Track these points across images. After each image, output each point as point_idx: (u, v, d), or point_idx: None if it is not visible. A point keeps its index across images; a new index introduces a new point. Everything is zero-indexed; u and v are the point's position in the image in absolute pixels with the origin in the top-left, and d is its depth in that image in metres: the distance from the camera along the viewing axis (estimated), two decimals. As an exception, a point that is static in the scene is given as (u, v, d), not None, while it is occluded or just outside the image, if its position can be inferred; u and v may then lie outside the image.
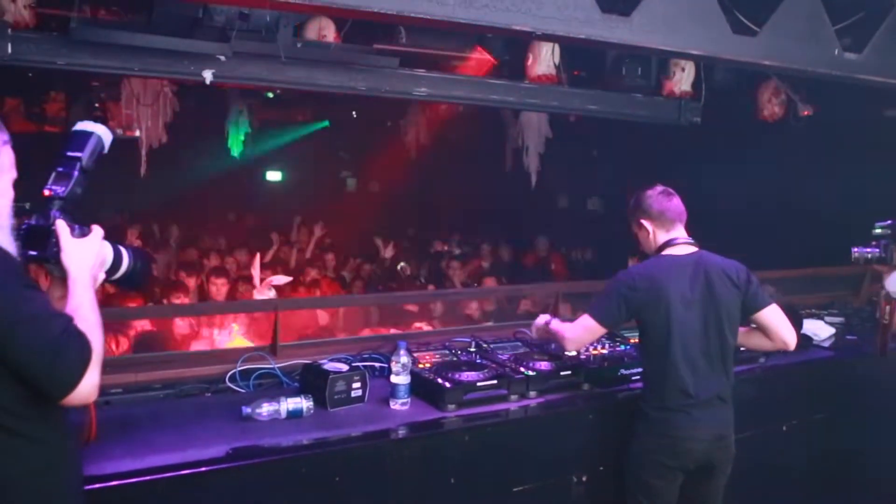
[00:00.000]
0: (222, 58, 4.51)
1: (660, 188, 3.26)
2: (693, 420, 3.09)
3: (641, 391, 3.31)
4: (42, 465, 1.90)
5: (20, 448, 1.85)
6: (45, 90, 11.07)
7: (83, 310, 1.92)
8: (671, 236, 3.20)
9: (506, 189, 10.88)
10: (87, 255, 2.02)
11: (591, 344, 3.64)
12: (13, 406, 1.82)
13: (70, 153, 2.07)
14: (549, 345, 3.97)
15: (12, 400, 1.81)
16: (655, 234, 3.22)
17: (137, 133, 8.94)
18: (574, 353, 3.68)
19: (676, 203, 3.23)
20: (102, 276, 2.12)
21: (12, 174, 1.96)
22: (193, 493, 2.56)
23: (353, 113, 12.47)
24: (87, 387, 1.81)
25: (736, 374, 3.88)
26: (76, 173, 2.05)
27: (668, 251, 3.18)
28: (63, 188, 2.03)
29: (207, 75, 4.57)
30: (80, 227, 2.05)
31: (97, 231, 2.08)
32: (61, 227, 1.99)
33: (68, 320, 1.83)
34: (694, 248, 3.20)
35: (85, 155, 2.08)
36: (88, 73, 6.92)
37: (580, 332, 3.23)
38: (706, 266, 3.14)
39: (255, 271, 5.70)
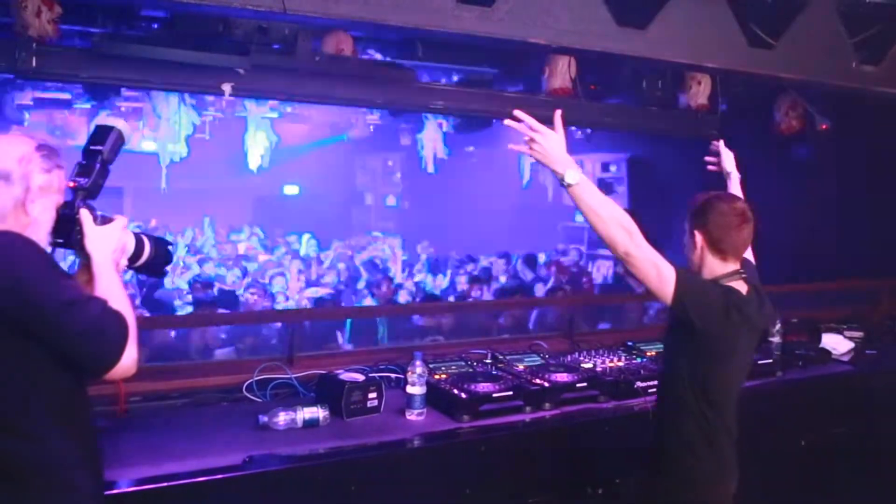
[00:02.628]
0: (241, 71, 4.57)
1: (737, 206, 2.72)
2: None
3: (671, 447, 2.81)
4: (73, 460, 1.98)
5: (54, 442, 1.94)
6: (67, 103, 11.24)
7: (113, 291, 2.04)
8: (729, 269, 2.69)
9: (523, 202, 10.90)
10: (108, 242, 2.15)
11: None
12: (51, 398, 1.94)
13: (92, 147, 2.20)
14: (565, 357, 3.97)
15: (49, 392, 1.94)
16: (704, 257, 2.72)
17: (157, 148, 9.07)
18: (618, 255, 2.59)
19: (746, 235, 2.71)
20: (125, 262, 2.24)
21: (59, 198, 2.08)
22: (210, 501, 2.57)
23: (371, 128, 12.53)
24: (128, 361, 1.95)
25: (752, 388, 3.89)
26: (98, 165, 2.18)
27: (731, 283, 2.67)
28: (86, 179, 2.16)
29: (227, 88, 4.63)
30: (103, 216, 2.18)
31: (120, 220, 2.21)
32: (84, 215, 2.12)
33: (104, 302, 1.96)
34: (746, 286, 2.72)
35: (106, 148, 2.20)
36: (110, 87, 7.01)
37: (656, 259, 2.54)
38: (760, 301, 2.74)
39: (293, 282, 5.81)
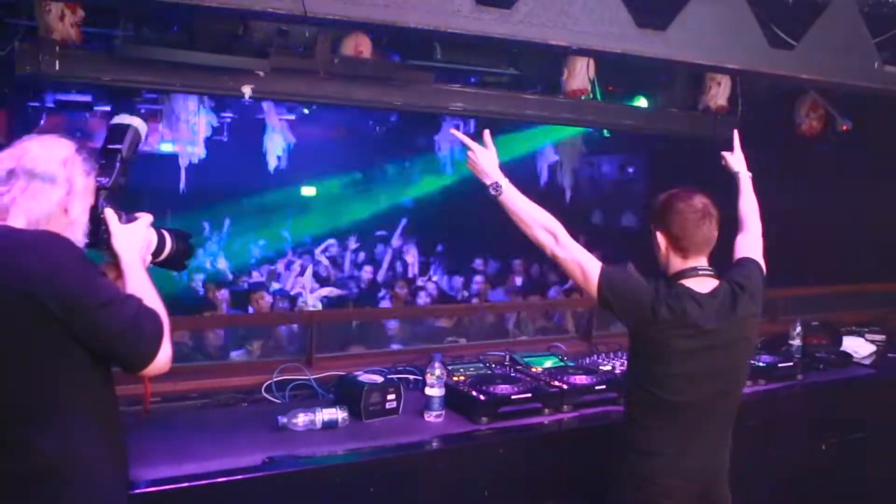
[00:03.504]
0: (261, 73, 4.60)
1: (695, 202, 2.68)
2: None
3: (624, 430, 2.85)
4: (100, 453, 2.02)
5: (84, 435, 1.98)
6: (88, 105, 11.34)
7: (145, 290, 2.09)
8: (689, 265, 2.69)
9: (540, 204, 10.84)
10: (134, 240, 2.20)
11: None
12: (83, 393, 1.99)
13: (111, 146, 2.23)
14: (583, 359, 3.97)
15: (83, 386, 1.99)
16: (668, 256, 2.73)
17: (175, 148, 9.12)
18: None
19: (706, 231, 2.68)
20: (149, 258, 2.28)
21: (90, 200, 2.13)
22: (230, 501, 2.59)
23: (376, 128, 12.51)
24: (164, 357, 2.02)
25: (773, 391, 3.88)
26: (118, 164, 2.21)
27: (687, 282, 2.66)
28: (107, 179, 2.19)
29: (247, 90, 4.66)
30: (127, 214, 2.22)
31: (145, 217, 2.26)
32: (109, 214, 2.17)
33: (139, 300, 2.02)
34: (715, 282, 2.69)
35: (124, 147, 2.23)
36: (131, 89, 7.07)
37: (580, 258, 2.65)
38: (722, 301, 2.66)
39: (307, 282, 5.84)
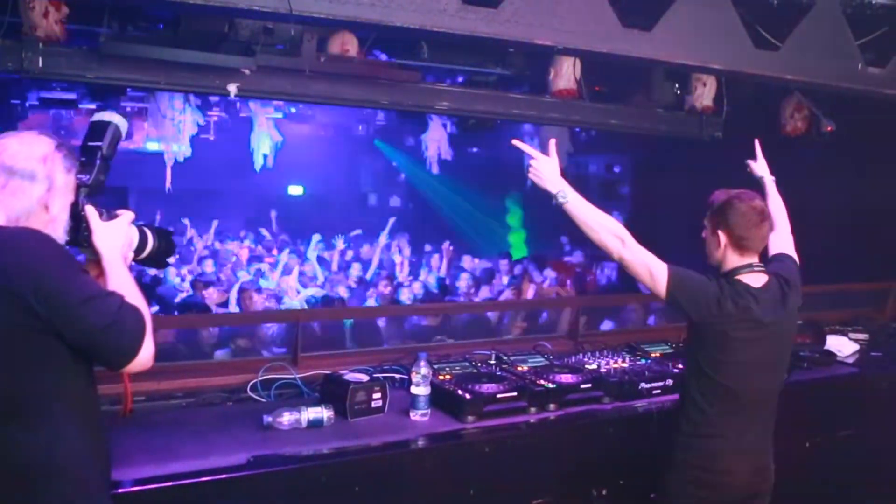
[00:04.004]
0: (247, 72, 4.57)
1: (756, 204, 2.89)
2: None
3: (679, 419, 3.02)
4: (84, 452, 2.02)
5: (67, 434, 1.97)
6: (72, 103, 11.27)
7: (127, 286, 2.08)
8: (745, 262, 2.90)
9: (527, 203, 10.90)
10: (116, 237, 2.19)
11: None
12: (66, 391, 1.99)
13: (91, 143, 2.21)
14: (569, 358, 3.97)
15: (65, 385, 1.98)
16: (725, 253, 2.92)
17: (161, 146, 9.09)
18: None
19: (765, 232, 2.92)
20: (130, 255, 2.27)
21: (71, 197, 2.12)
22: (214, 501, 2.58)
23: (360, 127, 12.56)
24: (146, 354, 2.01)
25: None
26: (98, 161, 2.19)
27: (743, 277, 2.88)
28: (88, 176, 2.17)
29: (232, 89, 4.63)
30: (108, 211, 2.20)
31: (126, 215, 2.25)
32: (90, 211, 2.15)
33: (121, 296, 2.01)
34: (765, 277, 2.92)
35: (105, 144, 2.21)
36: (116, 87, 7.03)
37: (646, 260, 2.80)
38: (773, 296, 2.90)
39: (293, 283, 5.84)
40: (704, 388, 2.91)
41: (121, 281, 2.10)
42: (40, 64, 4.29)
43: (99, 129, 2.22)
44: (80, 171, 2.15)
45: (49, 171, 2.03)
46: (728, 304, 2.78)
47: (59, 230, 2.07)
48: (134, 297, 2.05)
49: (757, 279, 2.90)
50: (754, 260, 2.92)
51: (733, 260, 2.91)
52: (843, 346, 4.71)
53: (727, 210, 2.89)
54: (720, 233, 2.90)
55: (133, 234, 2.27)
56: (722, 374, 2.87)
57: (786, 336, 3.01)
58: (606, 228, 2.82)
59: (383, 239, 9.85)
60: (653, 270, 2.80)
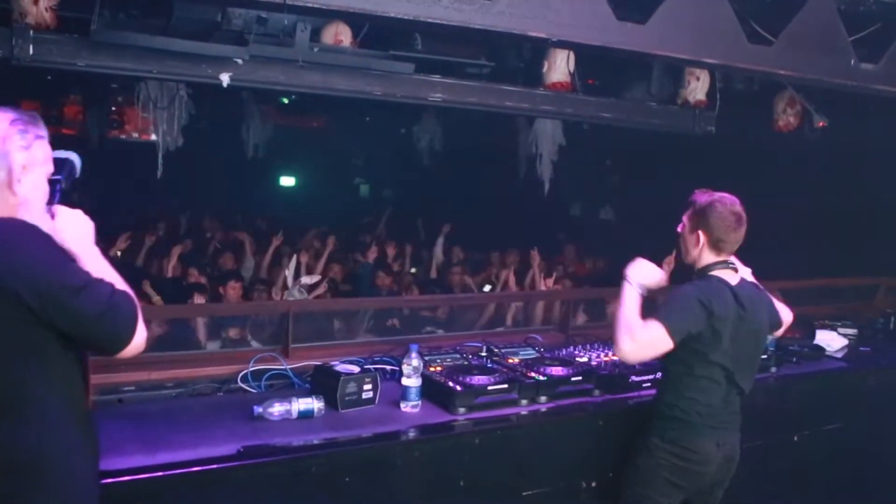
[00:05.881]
0: (239, 61, 4.55)
1: (736, 209, 2.99)
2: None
3: (659, 406, 3.11)
4: (73, 444, 2.01)
5: (58, 428, 1.96)
6: (62, 94, 11.20)
7: (110, 274, 2.06)
8: (720, 259, 3.02)
9: (518, 197, 10.87)
10: (80, 227, 2.12)
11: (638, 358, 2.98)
12: (56, 385, 1.98)
13: (51, 177, 2.17)
14: (560, 350, 3.98)
15: (55, 379, 1.97)
16: (702, 252, 3.02)
17: (154, 137, 9.02)
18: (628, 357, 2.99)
19: (741, 235, 3.02)
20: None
21: (47, 168, 2.08)
22: (204, 491, 2.58)
23: (367, 118, 12.52)
24: (140, 338, 2.02)
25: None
26: (57, 194, 2.19)
27: (718, 272, 3.00)
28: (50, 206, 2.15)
29: (225, 78, 4.61)
30: (49, 208, 2.14)
31: (61, 208, 2.15)
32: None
33: (111, 283, 1.99)
34: (738, 276, 3.06)
35: (62, 177, 2.22)
36: (107, 76, 6.99)
37: (645, 344, 2.86)
38: (749, 294, 3.03)
39: (289, 272, 5.81)
40: (684, 379, 3.00)
41: (103, 269, 2.07)
42: (31, 51, 4.26)
43: (57, 165, 2.20)
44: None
45: (3, 152, 1.95)
46: (714, 306, 2.89)
47: (34, 211, 2.01)
48: (121, 283, 2.04)
49: (731, 276, 3.03)
50: (728, 257, 3.05)
51: (709, 258, 3.03)
52: (832, 340, 4.74)
53: (708, 212, 2.98)
54: (700, 233, 3.01)
55: (87, 222, 2.19)
56: (705, 365, 2.96)
57: (760, 333, 3.12)
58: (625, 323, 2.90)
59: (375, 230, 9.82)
60: (653, 343, 2.86)
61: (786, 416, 4.01)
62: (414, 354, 3.19)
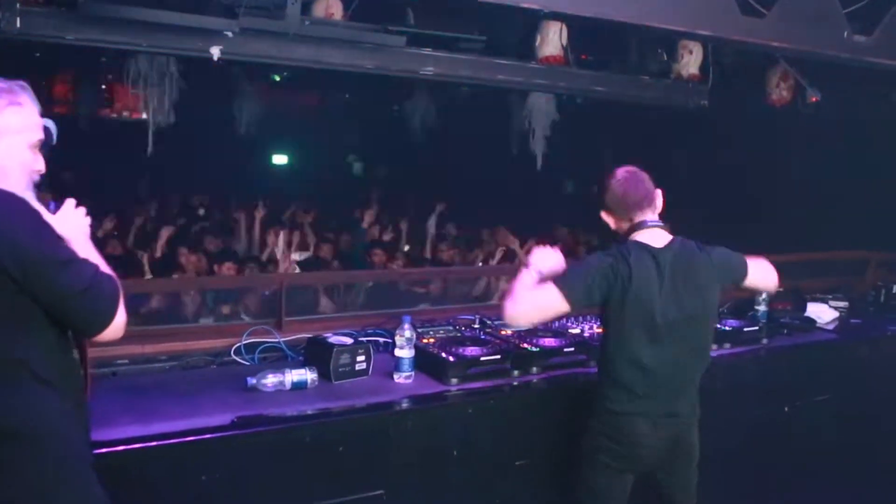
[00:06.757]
0: (230, 34, 4.51)
1: (624, 172, 2.94)
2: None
3: (597, 385, 3.02)
4: (66, 413, 2.00)
5: (49, 396, 1.95)
6: (52, 71, 11.08)
7: (95, 257, 2.04)
8: (637, 222, 2.89)
9: (511, 174, 10.85)
10: (72, 224, 2.10)
11: (544, 322, 3.13)
12: (44, 354, 1.96)
13: None
14: (552, 322, 3.99)
15: (43, 348, 1.95)
16: (620, 226, 2.95)
17: (144, 116, 8.95)
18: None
19: (643, 187, 2.90)
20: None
21: (24, 136, 2.02)
22: (199, 459, 2.59)
23: (360, 95, 12.45)
24: (120, 321, 1.99)
25: (739, 354, 3.94)
26: None
27: (638, 237, 2.87)
28: None
29: (215, 52, 4.57)
30: (55, 202, 2.14)
31: (69, 202, 2.16)
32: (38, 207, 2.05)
33: (95, 264, 1.98)
34: (668, 236, 2.89)
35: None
36: (96, 51, 6.91)
37: (532, 304, 2.81)
38: (679, 253, 2.85)
39: (278, 248, 5.80)
40: (613, 356, 2.88)
41: (88, 252, 2.05)
42: (18, 24, 4.21)
43: None
44: None
45: None
46: (622, 267, 2.76)
47: (11, 179, 1.96)
48: (105, 266, 2.03)
49: (655, 236, 2.87)
50: (646, 217, 2.89)
51: (626, 227, 2.92)
52: (823, 313, 4.76)
53: (602, 193, 2.97)
54: (604, 214, 2.99)
55: (84, 218, 2.17)
56: (630, 340, 2.81)
57: (701, 295, 2.86)
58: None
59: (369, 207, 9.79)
60: (541, 304, 2.79)
61: (777, 387, 4.03)
62: (407, 326, 3.19)
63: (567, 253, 8.24)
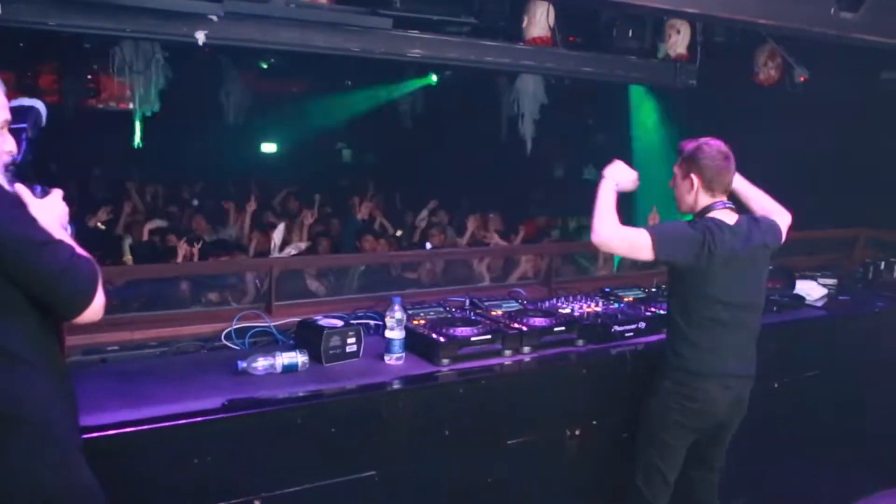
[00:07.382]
0: (214, 18, 4.46)
1: (723, 149, 3.17)
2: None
3: (665, 348, 3.27)
4: (49, 396, 1.98)
5: (32, 379, 1.94)
6: (36, 61, 11.00)
7: (72, 243, 2.01)
8: (715, 200, 3.15)
9: (501, 158, 10.86)
10: (52, 212, 2.08)
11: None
12: (25, 337, 1.94)
13: (15, 125, 2.14)
14: (543, 303, 4.00)
15: (24, 331, 1.94)
16: (697, 197, 3.17)
17: (131, 105, 8.89)
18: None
19: (731, 173, 3.20)
20: (69, 229, 2.17)
21: None
22: (190, 443, 2.58)
23: (348, 82, 12.41)
24: (99, 303, 1.99)
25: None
26: (24, 143, 2.15)
27: (716, 214, 3.13)
28: (18, 156, 2.11)
29: (200, 36, 4.52)
30: (42, 188, 2.13)
31: (57, 191, 2.15)
32: (21, 189, 2.05)
33: (72, 245, 1.98)
34: (736, 215, 3.18)
35: (28, 125, 2.18)
36: (80, 38, 6.85)
37: (625, 239, 3.08)
38: (748, 229, 3.15)
39: (276, 238, 5.79)
40: (689, 321, 3.14)
41: (63, 237, 2.02)
42: (0, 11, 4.16)
43: (22, 113, 2.17)
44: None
45: None
46: (706, 240, 3.01)
47: None
48: (80, 249, 2.01)
49: (728, 216, 3.15)
50: (724, 199, 3.18)
51: (704, 200, 3.17)
52: (812, 290, 4.78)
53: (698, 155, 3.15)
54: (693, 176, 3.16)
55: (64, 208, 2.17)
56: (706, 307, 3.11)
57: (760, 266, 3.23)
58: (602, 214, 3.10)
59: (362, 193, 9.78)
60: (632, 241, 3.04)
61: (766, 363, 4.02)
62: (397, 307, 3.19)
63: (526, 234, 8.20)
